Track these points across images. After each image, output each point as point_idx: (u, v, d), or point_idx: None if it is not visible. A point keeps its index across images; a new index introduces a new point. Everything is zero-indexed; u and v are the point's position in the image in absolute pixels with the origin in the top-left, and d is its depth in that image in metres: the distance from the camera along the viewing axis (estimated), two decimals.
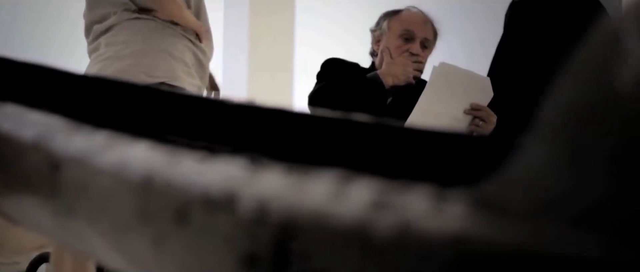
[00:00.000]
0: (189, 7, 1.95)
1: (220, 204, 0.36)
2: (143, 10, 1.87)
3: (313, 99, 1.85)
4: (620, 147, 0.27)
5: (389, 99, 1.91)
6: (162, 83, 1.79)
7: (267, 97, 4.04)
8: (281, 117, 0.40)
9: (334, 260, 0.34)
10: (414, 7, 2.02)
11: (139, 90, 0.49)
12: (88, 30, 1.94)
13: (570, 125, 0.28)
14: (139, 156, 0.42)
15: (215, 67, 4.35)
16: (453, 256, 0.28)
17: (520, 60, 2.03)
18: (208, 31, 1.99)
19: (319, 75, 1.93)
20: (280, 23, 4.31)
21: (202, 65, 1.97)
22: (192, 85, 1.89)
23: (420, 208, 0.29)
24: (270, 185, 0.34)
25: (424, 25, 1.97)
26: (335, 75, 1.87)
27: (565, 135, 0.28)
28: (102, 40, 1.88)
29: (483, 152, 0.34)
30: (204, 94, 2.01)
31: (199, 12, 1.99)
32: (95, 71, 1.87)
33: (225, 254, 0.37)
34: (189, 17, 1.88)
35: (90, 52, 1.93)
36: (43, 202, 0.52)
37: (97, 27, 1.90)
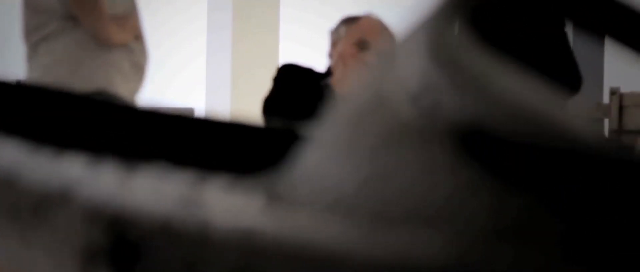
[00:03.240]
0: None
1: (62, 201, 0.38)
2: None
3: (266, 105, 1.89)
4: (382, 144, 0.29)
5: None
6: (99, 91, 1.81)
7: (252, 95, 4.06)
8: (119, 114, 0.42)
9: (162, 253, 0.36)
10: (374, 15, 2.05)
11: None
12: (27, 36, 1.96)
13: (348, 124, 0.31)
14: (6, 154, 0.44)
15: (199, 68, 4.38)
16: (244, 248, 0.30)
17: None
18: (139, 36, 2.01)
19: (275, 80, 1.97)
20: (264, 20, 4.33)
21: (139, 69, 1.99)
22: (128, 91, 1.92)
23: (221, 202, 0.32)
24: (102, 182, 0.36)
25: (381, 34, 2.00)
26: (288, 81, 1.91)
27: (343, 132, 0.30)
28: (41, 47, 1.91)
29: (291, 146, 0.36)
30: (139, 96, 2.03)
31: (132, 15, 2.00)
32: (34, 78, 1.89)
33: (72, 248, 0.39)
34: (112, 35, 1.89)
35: (29, 59, 1.95)
36: None
37: (36, 34, 1.92)
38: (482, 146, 0.27)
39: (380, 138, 0.29)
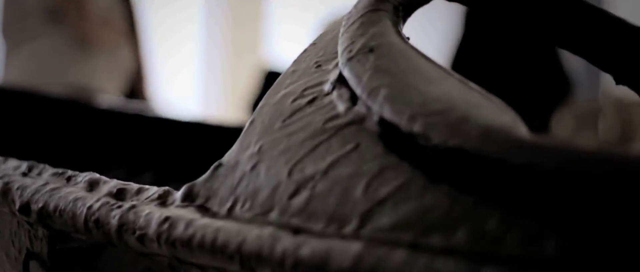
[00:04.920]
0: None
1: (3, 205, 0.38)
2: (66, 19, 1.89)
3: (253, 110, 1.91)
4: (312, 144, 0.28)
5: None
6: (82, 88, 1.81)
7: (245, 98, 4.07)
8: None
9: (97, 255, 0.35)
10: None
11: None
12: (6, 34, 1.95)
13: (270, 122, 0.30)
14: None
15: (193, 71, 4.40)
16: (163, 241, 0.29)
17: (480, 69, 2.04)
18: (125, 37, 2.01)
19: (260, 86, 1.98)
20: (255, 23, 4.36)
21: (123, 70, 2.00)
22: (111, 91, 1.93)
23: (150, 199, 0.31)
24: (37, 183, 0.36)
25: None
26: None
27: (262, 131, 0.30)
28: (23, 44, 1.91)
29: None
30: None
31: (117, 15, 2.01)
32: (14, 76, 1.89)
33: (13, 252, 0.39)
34: (97, 35, 1.89)
35: (8, 58, 1.95)
36: None
37: (19, 32, 1.92)
38: (413, 149, 0.26)
39: (311, 139, 0.28)
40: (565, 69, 1.91)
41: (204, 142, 0.60)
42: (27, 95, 0.69)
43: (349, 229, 0.25)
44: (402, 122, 0.26)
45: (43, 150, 0.63)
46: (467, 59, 2.04)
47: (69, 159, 0.61)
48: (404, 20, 0.31)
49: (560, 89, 1.90)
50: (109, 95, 1.88)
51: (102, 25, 1.89)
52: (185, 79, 4.45)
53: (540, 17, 0.35)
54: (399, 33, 0.30)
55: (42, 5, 1.89)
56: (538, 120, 1.83)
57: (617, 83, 0.37)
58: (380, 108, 0.27)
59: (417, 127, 0.26)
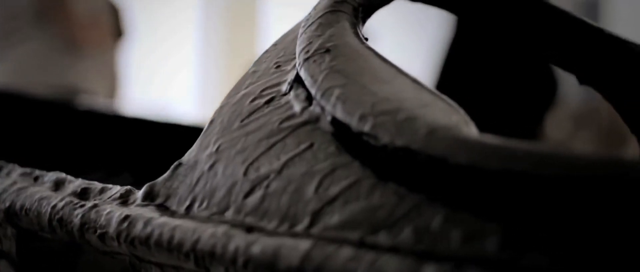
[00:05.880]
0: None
1: None
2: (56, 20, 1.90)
3: None
4: (268, 144, 0.29)
5: None
6: (71, 90, 1.81)
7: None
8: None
9: (65, 255, 0.36)
10: None
11: None
12: None
13: (229, 121, 0.30)
14: None
15: (188, 73, 4.41)
16: (123, 240, 0.30)
17: (469, 71, 2.04)
18: (113, 38, 2.02)
19: None
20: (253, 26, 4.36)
21: (113, 71, 2.00)
22: (101, 92, 1.93)
23: (112, 198, 0.31)
24: (5, 183, 0.36)
25: None
26: None
27: (220, 131, 0.30)
28: (12, 47, 1.91)
29: None
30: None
31: (105, 15, 2.01)
32: (3, 78, 1.89)
33: None
34: (84, 37, 1.90)
35: (1, 57, 1.95)
36: None
37: (7, 35, 1.92)
38: (363, 148, 0.27)
39: (267, 138, 0.29)
40: (552, 70, 1.91)
41: (186, 143, 0.60)
42: (11, 97, 0.69)
43: (300, 227, 0.26)
44: (353, 122, 0.27)
45: (27, 151, 0.64)
46: (457, 62, 2.04)
47: (49, 159, 0.62)
48: (364, 21, 0.32)
49: (547, 90, 1.90)
50: (97, 96, 1.89)
51: (90, 27, 1.90)
52: (182, 79, 4.45)
53: (501, 19, 0.36)
54: (357, 34, 0.30)
55: (30, 8, 1.89)
56: (528, 121, 1.83)
57: (581, 83, 0.37)
58: (333, 108, 0.27)
59: (367, 127, 0.26)
